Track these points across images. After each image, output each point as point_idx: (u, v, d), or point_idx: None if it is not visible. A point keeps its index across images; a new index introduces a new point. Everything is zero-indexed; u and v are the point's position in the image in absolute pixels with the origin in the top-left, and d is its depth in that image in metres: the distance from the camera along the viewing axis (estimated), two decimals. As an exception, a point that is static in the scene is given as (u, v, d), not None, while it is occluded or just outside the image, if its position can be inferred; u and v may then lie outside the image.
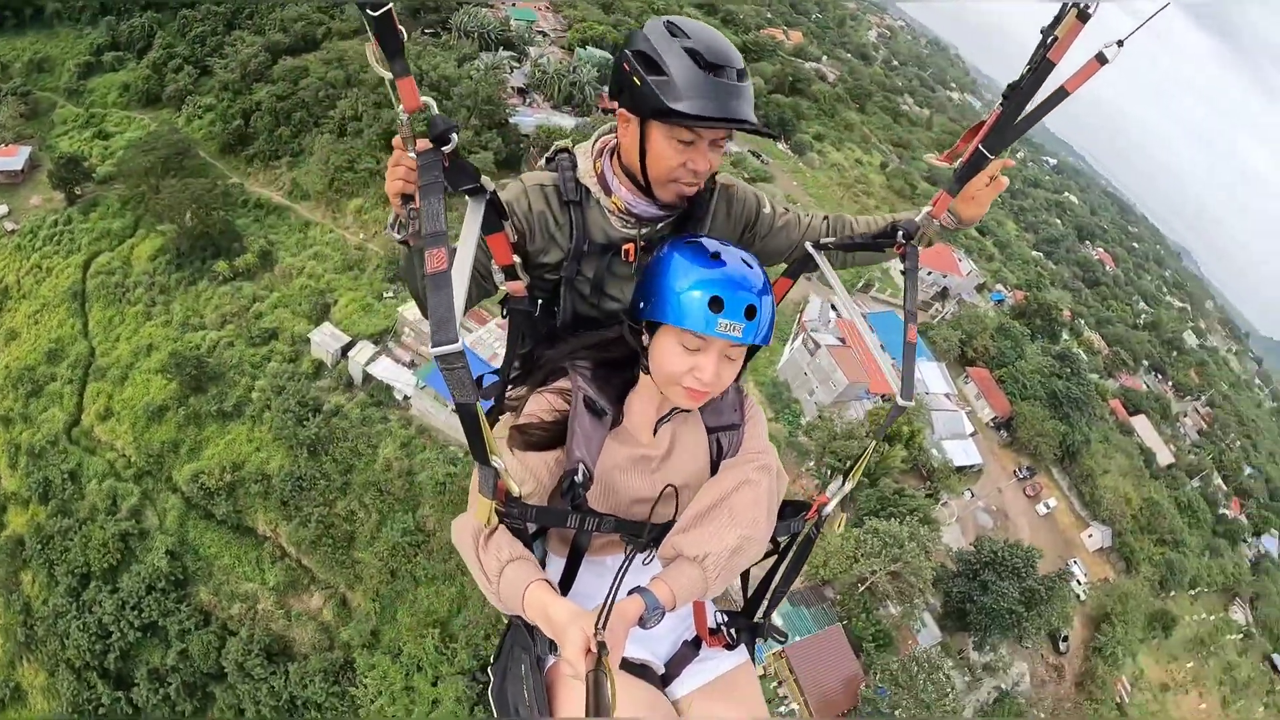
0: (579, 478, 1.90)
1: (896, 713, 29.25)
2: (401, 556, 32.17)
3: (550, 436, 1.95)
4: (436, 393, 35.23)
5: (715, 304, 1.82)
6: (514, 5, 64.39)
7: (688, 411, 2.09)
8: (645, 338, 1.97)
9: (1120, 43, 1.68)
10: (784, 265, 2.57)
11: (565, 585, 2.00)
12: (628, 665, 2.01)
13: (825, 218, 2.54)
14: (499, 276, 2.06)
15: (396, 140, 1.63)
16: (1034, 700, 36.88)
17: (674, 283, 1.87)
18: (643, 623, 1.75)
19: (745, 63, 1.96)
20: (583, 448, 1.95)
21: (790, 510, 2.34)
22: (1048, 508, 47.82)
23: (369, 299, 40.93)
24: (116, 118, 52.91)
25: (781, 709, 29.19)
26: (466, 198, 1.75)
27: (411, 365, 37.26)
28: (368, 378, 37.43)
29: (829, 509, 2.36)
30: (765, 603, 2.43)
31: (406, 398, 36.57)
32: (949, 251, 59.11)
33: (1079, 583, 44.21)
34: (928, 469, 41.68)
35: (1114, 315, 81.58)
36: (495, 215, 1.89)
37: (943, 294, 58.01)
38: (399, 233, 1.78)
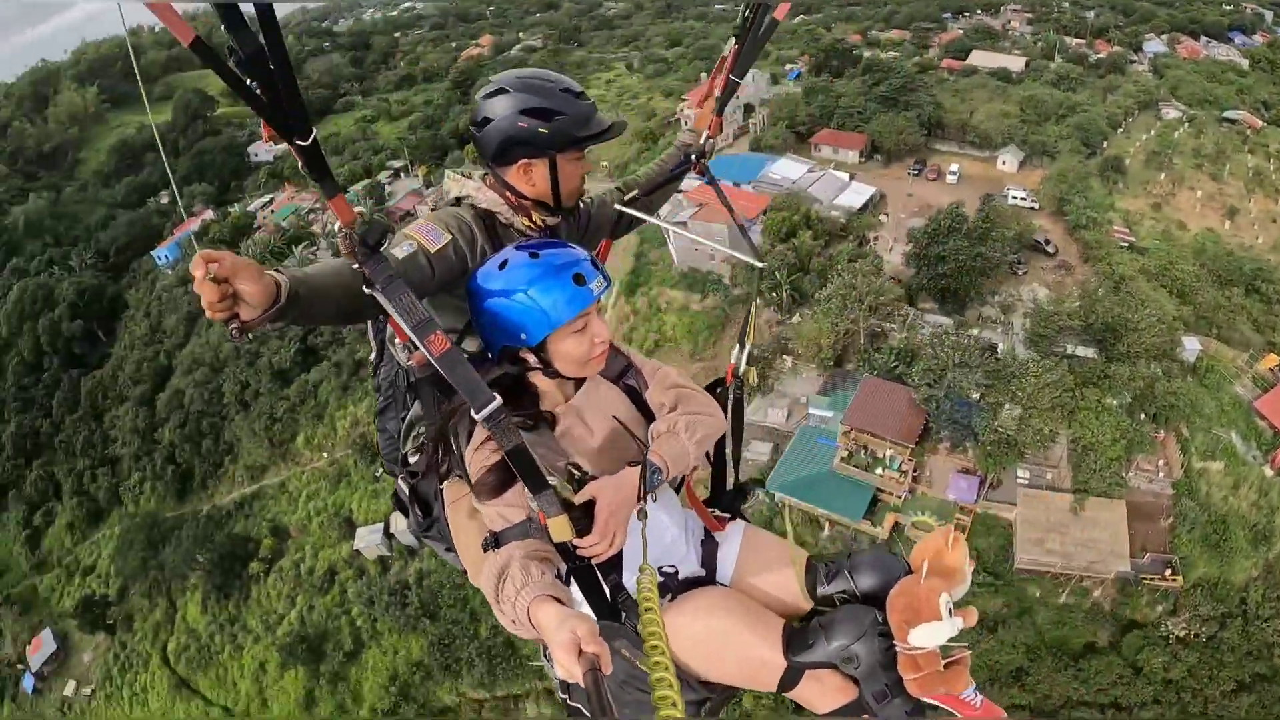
0: (577, 473, 2.08)
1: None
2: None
3: (506, 476, 2.02)
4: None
5: (578, 279, 2.06)
6: (273, 212, 67.52)
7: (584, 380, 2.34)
8: (533, 359, 2.17)
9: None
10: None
11: (617, 557, 2.12)
12: (687, 581, 2.39)
13: (616, 187, 2.98)
14: (402, 355, 2.26)
15: (196, 272, 1.57)
16: (1059, 300, 39.15)
17: (537, 296, 2.05)
18: (648, 490, 2.02)
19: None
20: (555, 455, 2.14)
21: (715, 385, 2.70)
22: (954, 174, 50.82)
23: (371, 487, 44.20)
24: (84, 553, 55.66)
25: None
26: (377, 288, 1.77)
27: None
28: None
29: (740, 369, 2.76)
30: (731, 469, 2.77)
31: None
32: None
33: (1020, 199, 47.07)
34: (839, 232, 45.00)
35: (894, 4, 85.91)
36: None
37: (747, 110, 60.62)
38: (235, 342, 1.93)
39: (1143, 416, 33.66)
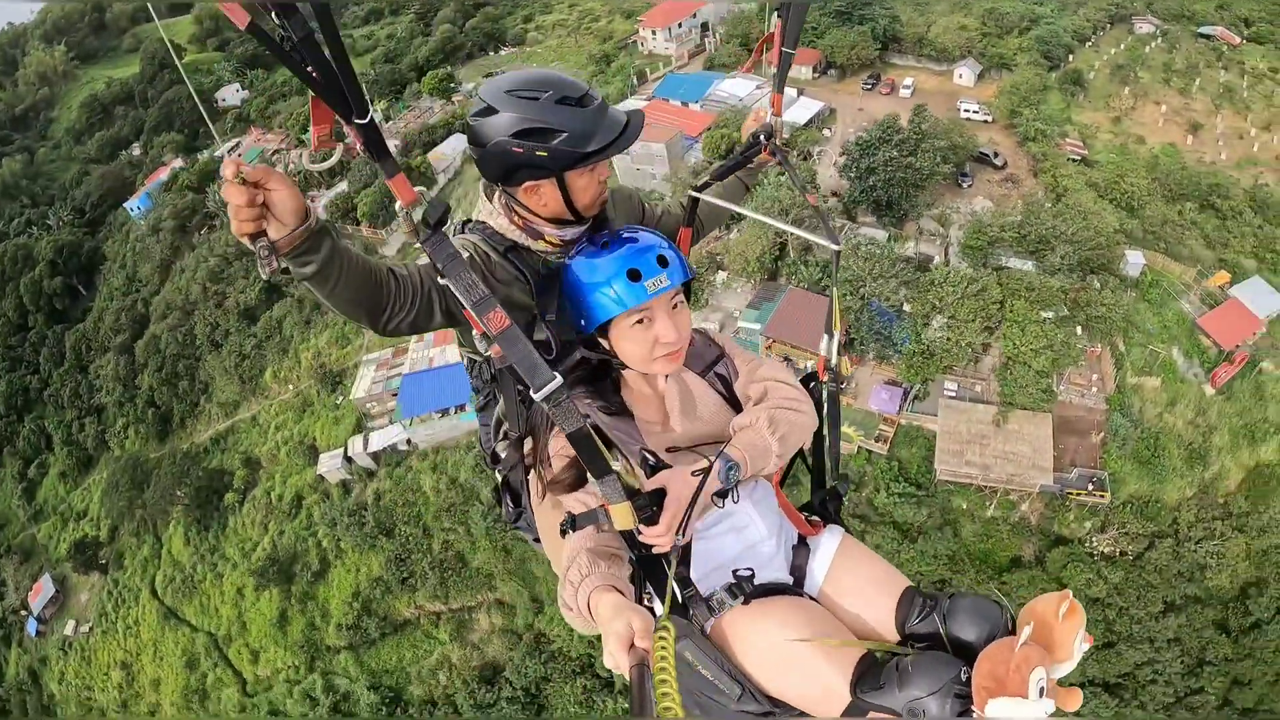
0: (652, 460, 2.09)
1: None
2: (498, 533, 36.67)
3: (580, 472, 2.02)
4: (426, 413, 40.25)
5: (633, 275, 2.04)
6: (239, 156, 67.97)
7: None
8: (604, 345, 2.19)
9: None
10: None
11: (687, 559, 2.08)
12: (763, 589, 2.20)
13: (703, 183, 2.91)
14: (482, 345, 2.21)
15: (225, 172, 1.60)
16: (1000, 213, 38.38)
17: (590, 286, 2.09)
18: (722, 488, 1.98)
19: None
20: (633, 440, 2.15)
21: (807, 380, 2.57)
22: (907, 89, 49.83)
23: (330, 415, 45.70)
24: (78, 498, 57.99)
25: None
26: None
27: (395, 422, 42.04)
28: (376, 457, 42.20)
29: (833, 362, 2.61)
30: (829, 467, 2.66)
31: (409, 442, 41.37)
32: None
33: (974, 113, 46.51)
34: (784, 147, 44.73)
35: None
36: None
37: (704, 28, 60.13)
38: (265, 270, 1.73)
39: (1078, 331, 33.51)
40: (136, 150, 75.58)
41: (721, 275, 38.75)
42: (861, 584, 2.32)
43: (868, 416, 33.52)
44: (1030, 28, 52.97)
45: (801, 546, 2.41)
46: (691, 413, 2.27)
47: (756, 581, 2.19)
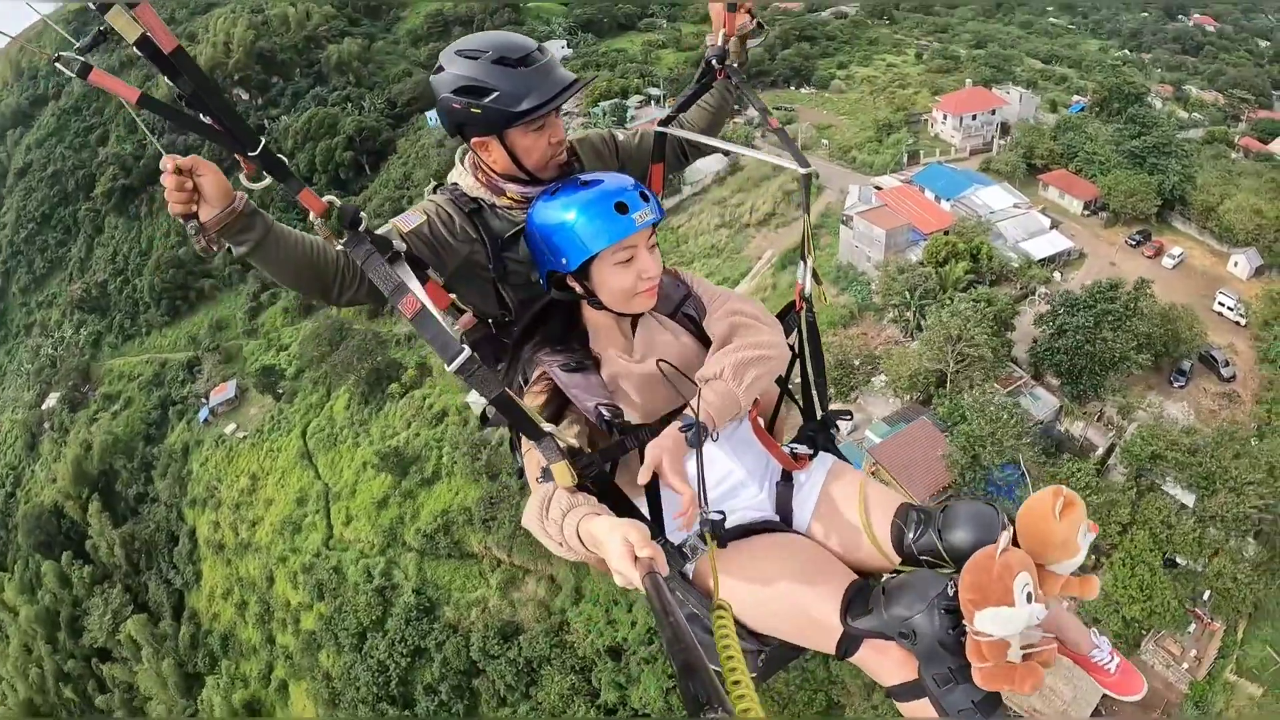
0: (606, 415, 2.03)
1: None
2: (575, 520, 38.85)
3: (552, 415, 2.10)
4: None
5: (620, 207, 2.05)
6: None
7: (639, 316, 2.28)
8: (578, 287, 2.18)
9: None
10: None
11: (656, 509, 2.12)
12: (749, 528, 2.22)
13: (667, 116, 2.84)
14: (447, 320, 2.20)
15: (163, 164, 1.76)
16: (1191, 428, 33.30)
17: (576, 223, 2.06)
18: (689, 443, 1.95)
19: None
20: (589, 395, 2.09)
21: (785, 312, 2.62)
22: (1174, 257, 45.57)
23: (499, 356, 50.03)
24: (287, 334, 67.45)
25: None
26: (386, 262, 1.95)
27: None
28: (511, 404, 45.92)
29: (808, 290, 2.63)
30: (817, 400, 2.63)
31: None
32: (983, 91, 59.83)
33: (1229, 308, 41.78)
34: (1005, 273, 42.41)
35: (1225, 65, 75.65)
36: (418, 268, 2.12)
37: (1003, 129, 57.87)
38: (196, 246, 1.89)
39: (1205, 595, 29.14)
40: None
41: (880, 380, 37.89)
42: (851, 508, 2.27)
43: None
44: (1341, 237, 45.79)
45: (786, 482, 2.39)
46: (659, 353, 2.26)
47: (739, 521, 2.23)
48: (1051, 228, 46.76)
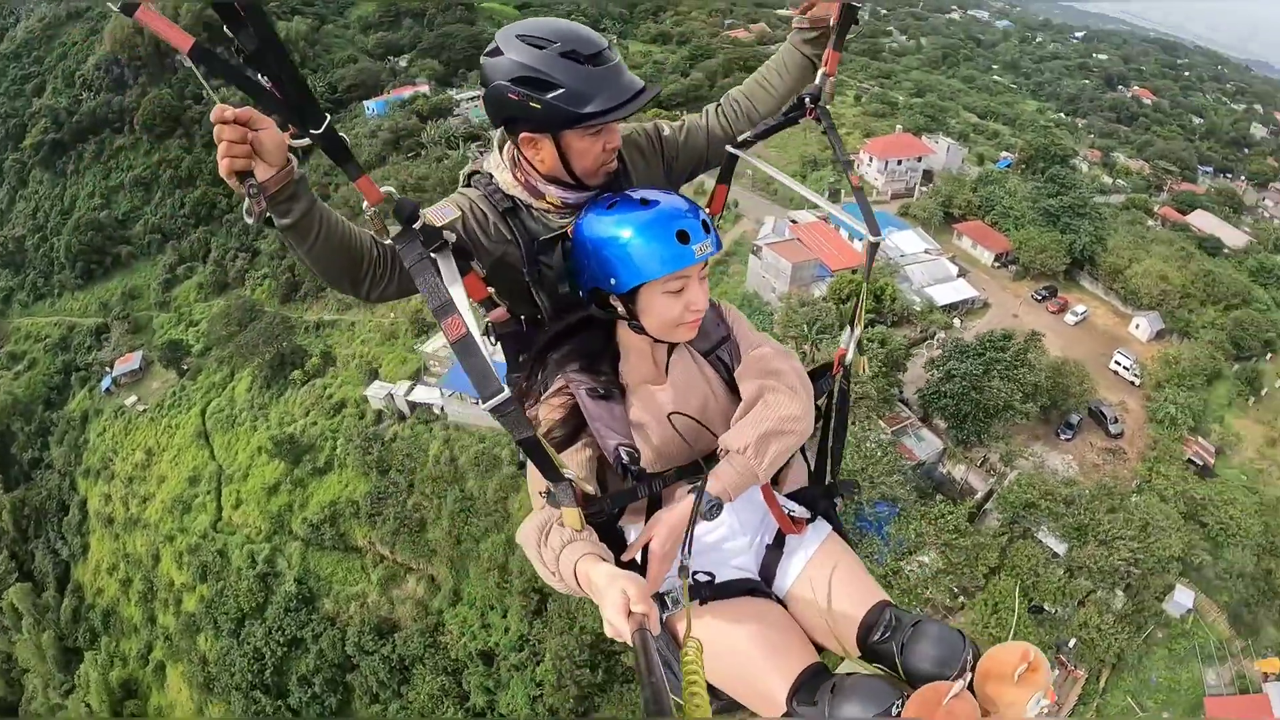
0: (625, 459, 1.97)
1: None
2: (459, 521, 38.39)
3: (568, 434, 2.06)
4: (462, 393, 42.29)
5: (682, 236, 1.94)
6: (476, 107, 73.92)
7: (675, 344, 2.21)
8: (621, 308, 2.06)
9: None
10: (717, 171, 2.67)
11: (644, 550, 2.03)
12: (726, 587, 2.16)
13: (717, 106, 2.64)
14: (480, 311, 2.13)
15: (215, 115, 1.58)
16: (1070, 480, 34.49)
17: (631, 244, 1.94)
18: (704, 517, 1.89)
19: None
20: (612, 432, 2.03)
21: (820, 372, 2.50)
22: (1077, 315, 46.73)
23: (404, 354, 49.26)
24: (199, 309, 65.91)
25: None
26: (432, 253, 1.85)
27: (439, 387, 44.87)
28: (412, 406, 45.33)
29: (849, 358, 2.54)
30: (829, 465, 2.57)
31: (441, 409, 43.95)
32: (911, 138, 61.26)
33: (1124, 368, 42.88)
34: (907, 315, 43.00)
35: (1155, 137, 79.00)
36: (462, 259, 1.99)
37: (927, 176, 59.31)
38: (250, 216, 1.71)
39: (1070, 643, 29.80)
40: (403, 62, 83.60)
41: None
42: (831, 590, 2.21)
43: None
44: (1238, 306, 47.74)
45: (778, 544, 2.34)
46: (688, 401, 2.21)
47: (722, 579, 2.20)
48: (959, 276, 47.62)
